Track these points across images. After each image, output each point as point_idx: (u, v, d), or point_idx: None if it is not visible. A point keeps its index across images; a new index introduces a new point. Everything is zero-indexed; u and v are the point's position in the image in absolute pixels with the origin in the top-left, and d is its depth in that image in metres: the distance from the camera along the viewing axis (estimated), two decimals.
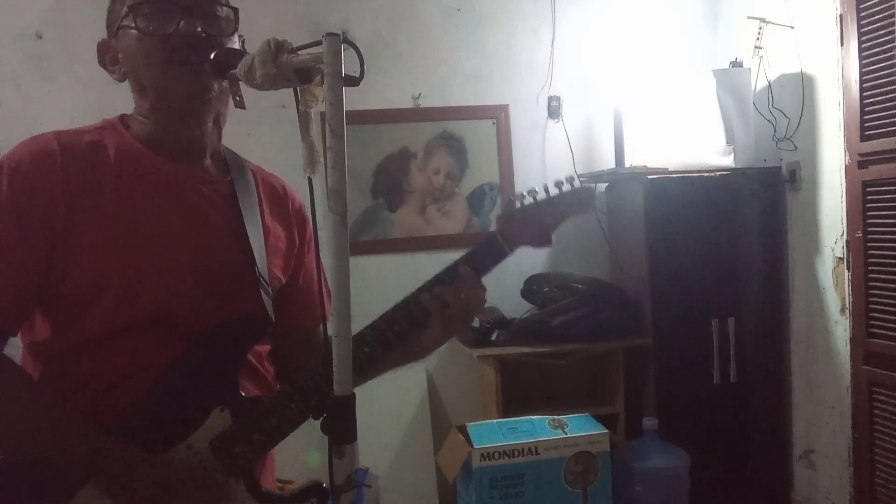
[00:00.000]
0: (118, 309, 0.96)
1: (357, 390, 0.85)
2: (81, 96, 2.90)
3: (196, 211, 1.05)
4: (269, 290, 1.10)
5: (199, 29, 0.99)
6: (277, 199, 1.19)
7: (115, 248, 0.97)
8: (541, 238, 1.08)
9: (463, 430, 2.53)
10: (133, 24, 1.00)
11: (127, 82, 1.07)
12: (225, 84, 1.02)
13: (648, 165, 2.94)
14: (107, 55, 1.07)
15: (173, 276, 1.00)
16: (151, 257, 0.99)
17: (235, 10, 1.07)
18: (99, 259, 0.96)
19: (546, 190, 1.07)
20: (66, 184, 0.96)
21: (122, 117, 1.09)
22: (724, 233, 2.88)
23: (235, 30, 1.06)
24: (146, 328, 0.98)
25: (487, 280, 3.53)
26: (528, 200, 1.07)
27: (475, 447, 2.38)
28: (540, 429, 2.50)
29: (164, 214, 1.02)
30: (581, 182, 1.10)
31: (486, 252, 1.08)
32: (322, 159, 0.93)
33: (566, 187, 1.07)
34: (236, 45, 1.06)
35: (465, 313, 1.05)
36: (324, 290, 1.23)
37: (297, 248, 1.19)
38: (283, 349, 1.17)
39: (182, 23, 0.99)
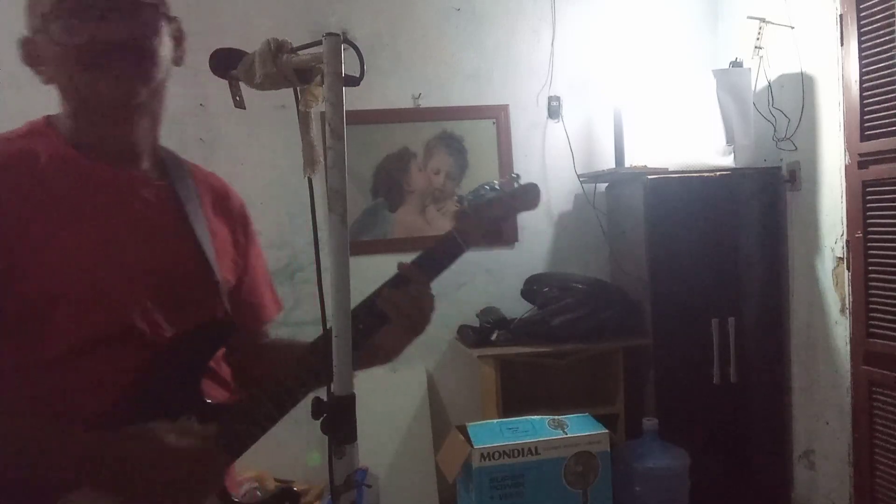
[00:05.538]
0: (73, 326, 0.92)
1: (358, 390, 0.85)
2: None
3: (141, 217, 1.00)
4: (234, 296, 1.07)
5: (119, 34, 0.93)
6: (219, 199, 1.15)
7: (62, 263, 0.92)
8: (493, 234, 1.10)
9: (463, 430, 2.53)
10: (47, 32, 0.94)
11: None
12: (155, 86, 0.98)
13: (648, 165, 2.94)
14: (30, 55, 1.00)
15: (127, 286, 0.96)
16: (101, 268, 0.94)
17: (156, 5, 0.98)
18: (46, 275, 0.91)
19: (494, 188, 1.09)
20: None
21: (49, 119, 1.03)
22: (724, 233, 2.88)
23: (158, 28, 0.98)
24: (105, 343, 0.94)
25: (488, 281, 3.52)
26: (479, 199, 1.09)
27: (475, 447, 2.38)
28: (540, 429, 2.50)
29: (109, 222, 0.97)
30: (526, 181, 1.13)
31: (443, 250, 1.08)
32: (322, 159, 0.93)
33: (513, 184, 1.10)
34: (165, 42, 1.00)
35: (418, 312, 1.05)
36: (269, 289, 1.22)
37: (242, 247, 1.16)
38: (234, 350, 1.14)
39: (99, 29, 0.92)
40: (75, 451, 0.89)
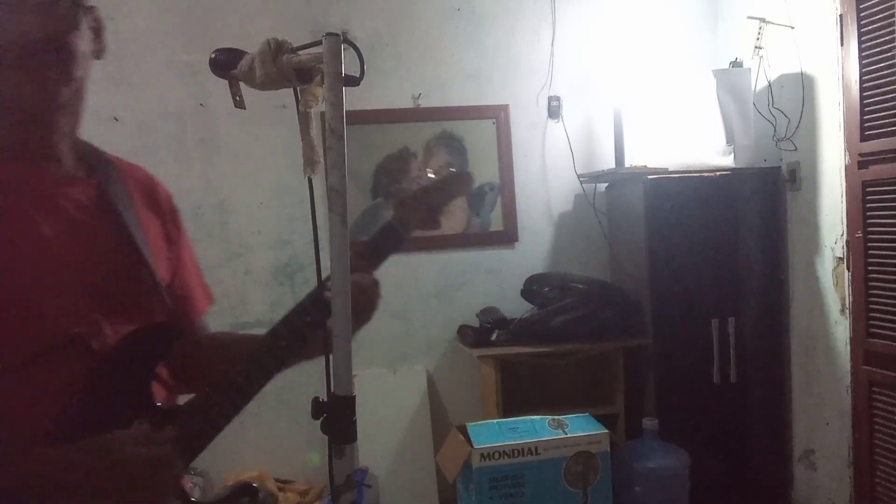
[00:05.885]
0: (13, 339, 0.88)
1: (358, 390, 0.85)
2: None
3: (71, 219, 0.95)
4: (167, 293, 1.05)
5: (36, 31, 0.88)
6: (147, 192, 1.10)
7: None
8: (430, 221, 1.13)
9: (463, 430, 2.53)
10: None
11: None
12: (77, 83, 0.94)
13: (648, 165, 2.94)
14: None
15: (63, 294, 0.92)
16: (34, 277, 0.90)
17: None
18: None
19: (429, 177, 1.14)
20: None
21: None
22: (724, 233, 2.88)
23: (77, 21, 0.93)
24: (49, 353, 0.90)
25: (488, 281, 3.52)
26: (415, 186, 1.13)
27: (475, 447, 2.38)
28: (540, 429, 2.50)
29: (36, 228, 0.92)
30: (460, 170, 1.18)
31: (384, 239, 1.10)
32: (322, 159, 0.93)
33: (447, 172, 1.15)
34: (85, 35, 0.95)
35: (366, 300, 1.06)
36: (199, 281, 1.19)
37: (173, 240, 1.13)
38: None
39: (15, 27, 0.87)
40: (30, 466, 0.86)
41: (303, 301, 1.02)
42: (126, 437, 0.88)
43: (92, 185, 1.00)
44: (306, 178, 0.91)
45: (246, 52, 0.92)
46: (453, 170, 1.15)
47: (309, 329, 1.01)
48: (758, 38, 2.89)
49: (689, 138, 2.90)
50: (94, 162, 1.03)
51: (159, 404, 0.99)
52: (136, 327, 0.97)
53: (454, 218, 3.23)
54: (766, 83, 2.90)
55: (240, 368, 0.98)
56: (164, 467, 0.89)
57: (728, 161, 2.85)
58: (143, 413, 0.95)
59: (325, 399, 0.85)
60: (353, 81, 0.86)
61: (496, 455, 2.39)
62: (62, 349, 0.92)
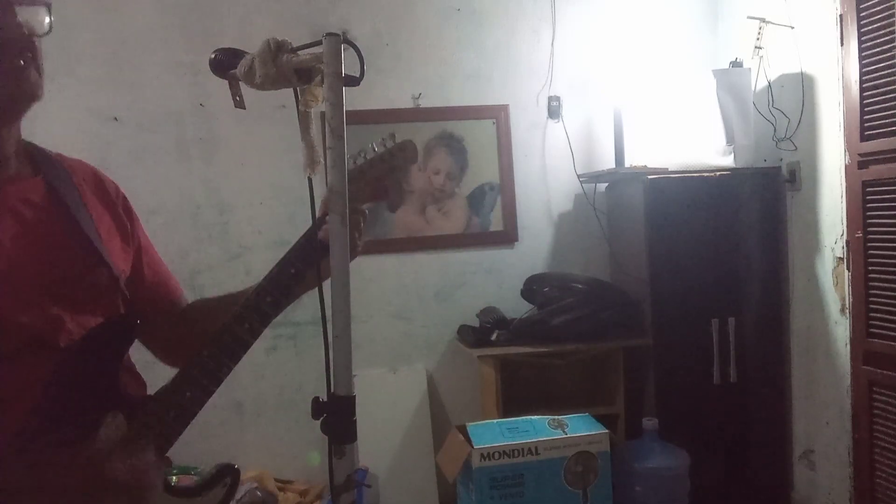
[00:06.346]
0: None
1: (358, 390, 0.85)
2: (81, 96, 2.91)
3: (22, 219, 0.94)
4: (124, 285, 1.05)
5: (16, 32, 0.89)
6: (95, 186, 1.09)
7: None
8: (379, 192, 1.14)
9: (463, 430, 2.53)
10: None
11: None
12: (42, 83, 0.94)
13: (648, 165, 2.94)
14: None
15: (21, 294, 0.91)
16: None
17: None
18: None
19: (374, 148, 1.14)
20: None
21: None
22: (724, 233, 2.88)
23: (48, 26, 0.93)
24: (15, 355, 0.90)
25: (488, 281, 3.52)
26: (361, 160, 1.13)
27: (475, 447, 2.38)
28: (540, 429, 2.50)
29: None
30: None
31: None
32: (322, 159, 0.93)
33: (390, 143, 1.15)
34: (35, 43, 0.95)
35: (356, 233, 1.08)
36: (168, 274, 1.19)
37: (129, 230, 1.12)
38: (152, 330, 1.13)
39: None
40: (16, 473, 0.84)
41: (288, 255, 1.04)
42: (106, 449, 0.87)
43: (40, 183, 0.99)
44: (306, 178, 0.91)
45: (246, 52, 0.92)
46: (398, 140, 1.14)
47: (294, 281, 1.04)
48: (758, 38, 2.89)
49: (689, 138, 2.90)
50: (39, 160, 1.02)
51: (132, 396, 0.99)
52: (100, 321, 0.97)
53: (454, 218, 3.23)
54: (766, 83, 2.90)
55: (204, 352, 0.99)
56: (150, 475, 0.89)
57: (728, 161, 2.86)
58: (114, 405, 0.94)
59: (325, 399, 0.85)
60: (353, 81, 0.86)
61: (496, 455, 2.39)
62: (27, 350, 0.91)
